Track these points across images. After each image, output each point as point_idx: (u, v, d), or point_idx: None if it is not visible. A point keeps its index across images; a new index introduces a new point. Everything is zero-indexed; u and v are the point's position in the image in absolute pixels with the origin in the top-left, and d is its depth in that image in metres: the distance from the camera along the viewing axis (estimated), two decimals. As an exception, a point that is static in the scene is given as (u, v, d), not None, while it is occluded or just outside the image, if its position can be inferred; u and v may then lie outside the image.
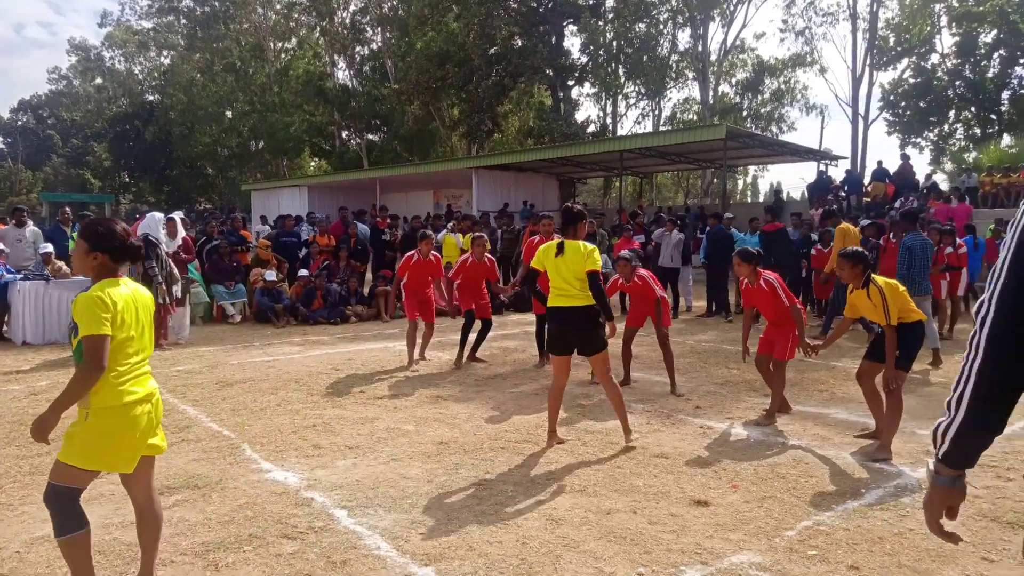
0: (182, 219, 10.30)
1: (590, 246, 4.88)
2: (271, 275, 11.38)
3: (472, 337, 7.78)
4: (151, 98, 50.46)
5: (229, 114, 42.69)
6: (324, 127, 40.62)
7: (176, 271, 8.90)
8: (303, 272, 11.75)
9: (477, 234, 8.04)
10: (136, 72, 53.90)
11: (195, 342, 9.52)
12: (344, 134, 41.56)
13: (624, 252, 6.93)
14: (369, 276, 13.81)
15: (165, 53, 50.20)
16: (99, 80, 55.55)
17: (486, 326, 7.88)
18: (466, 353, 7.78)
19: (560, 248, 4.83)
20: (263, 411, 5.92)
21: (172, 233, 9.40)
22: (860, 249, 5.15)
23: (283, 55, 44.03)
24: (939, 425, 1.55)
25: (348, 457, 4.75)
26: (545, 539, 3.50)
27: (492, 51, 30.92)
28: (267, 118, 39.04)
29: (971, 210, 16.45)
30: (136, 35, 50.87)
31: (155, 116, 45.80)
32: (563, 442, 5.04)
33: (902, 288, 5.01)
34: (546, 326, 5.03)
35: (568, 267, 4.78)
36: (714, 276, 12.14)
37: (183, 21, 45.89)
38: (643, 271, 6.80)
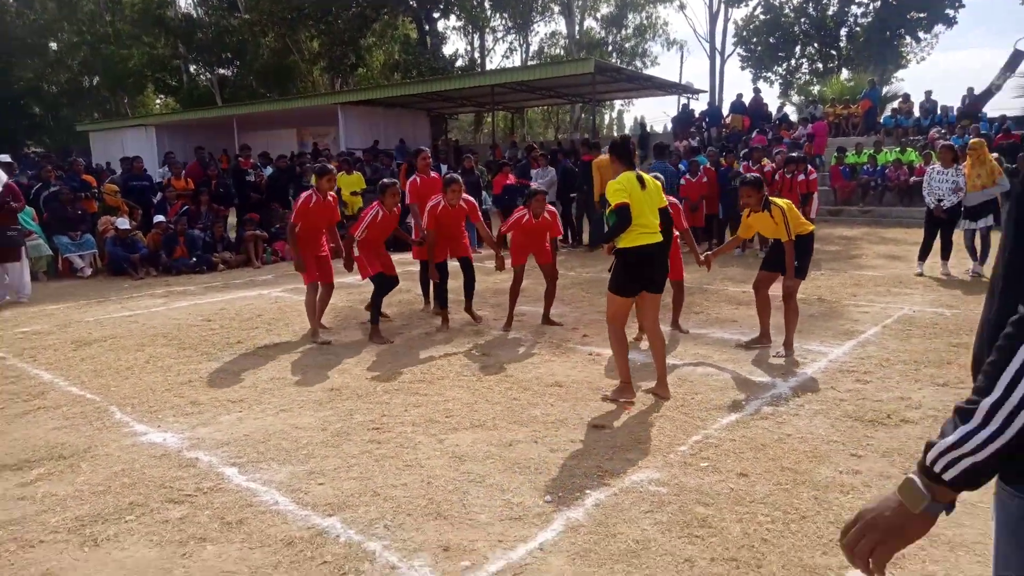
0: (7, 164, 9.12)
1: (655, 180, 4.62)
2: (123, 223, 10.41)
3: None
4: (-46, 27, 43.95)
5: (54, 46, 38.00)
6: (168, 61, 37.08)
7: None
8: (159, 218, 10.84)
9: (389, 180, 6.53)
10: (-68, -3, 46.60)
11: (39, 300, 8.60)
12: (192, 68, 38.24)
13: (541, 186, 6.85)
14: (233, 220, 12.95)
15: (-33, -25, 43.63)
16: None
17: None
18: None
19: (641, 181, 4.44)
20: (130, 370, 5.46)
21: (-8, 179, 8.31)
22: (759, 176, 5.56)
23: (114, -20, 39.48)
24: (953, 436, 1.09)
25: (232, 412, 4.48)
26: (450, 476, 3.47)
27: (351, -20, 29.26)
28: (100, 51, 35.04)
29: (825, 126, 18.07)
30: (-73, -48, 43.74)
31: (-39, 48, 40.02)
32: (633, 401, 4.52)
33: (792, 206, 5.51)
34: (627, 268, 4.41)
35: (654, 200, 4.48)
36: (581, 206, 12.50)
37: (-13, -62, 39.89)
38: (551, 208, 6.69)
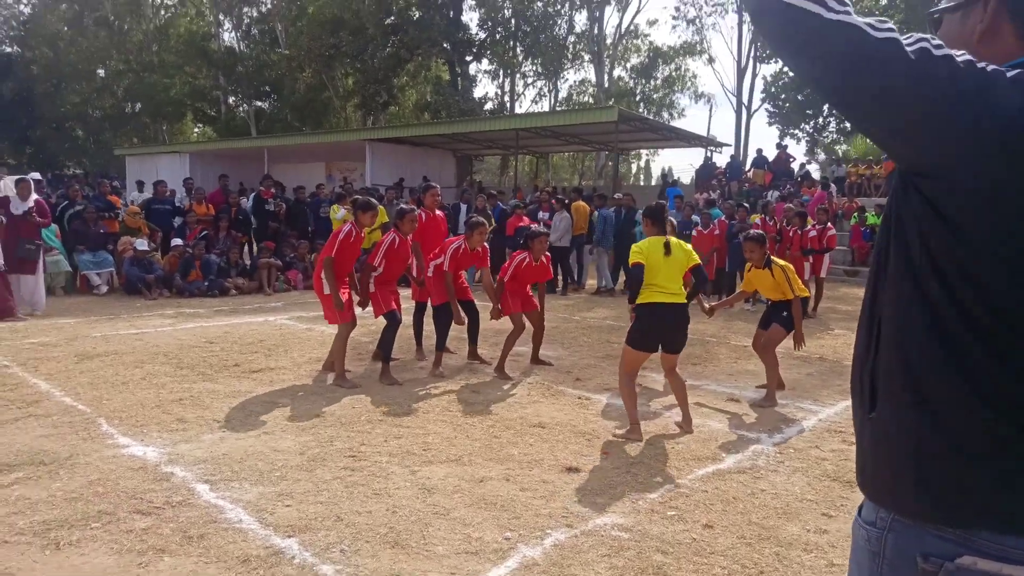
0: (37, 181, 9.48)
1: (686, 244, 5.00)
2: (142, 244, 10.69)
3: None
4: (9, 50, 45.83)
5: (102, 72, 39.47)
6: (208, 91, 38.37)
7: None
8: (177, 241, 11.11)
9: (407, 207, 6.49)
10: (-9, 21, 48.73)
11: (53, 313, 8.82)
12: (231, 100, 39.44)
13: (542, 228, 6.97)
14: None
15: (25, 1, 45.68)
16: (-55, 28, 49.83)
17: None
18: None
19: (667, 247, 4.78)
20: (125, 385, 5.57)
21: (24, 195, 8.63)
22: (762, 232, 5.77)
23: (163, 12, 41.12)
24: None
25: (216, 431, 4.55)
26: (415, 507, 3.49)
27: (388, 21, 30.12)
28: (144, 79, 36.39)
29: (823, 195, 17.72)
30: (-11, -20, 45.91)
31: (14, 70, 41.63)
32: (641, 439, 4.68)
33: (792, 268, 5.77)
34: (640, 323, 4.72)
35: (677, 266, 4.80)
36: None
37: (46, -32, 41.83)
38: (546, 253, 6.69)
